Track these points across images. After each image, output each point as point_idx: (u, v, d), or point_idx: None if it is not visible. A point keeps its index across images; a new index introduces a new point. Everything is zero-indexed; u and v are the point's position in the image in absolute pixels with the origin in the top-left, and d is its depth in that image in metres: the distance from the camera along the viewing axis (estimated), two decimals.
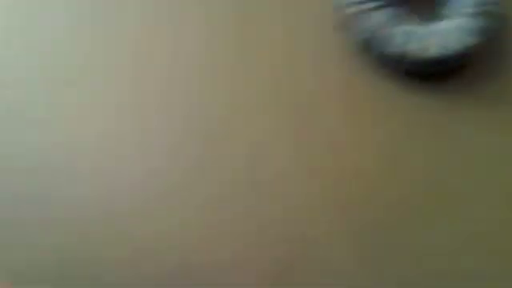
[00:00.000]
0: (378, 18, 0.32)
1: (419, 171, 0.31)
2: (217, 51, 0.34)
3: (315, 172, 0.31)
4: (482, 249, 0.29)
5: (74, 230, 0.30)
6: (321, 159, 0.31)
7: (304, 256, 0.29)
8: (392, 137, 0.32)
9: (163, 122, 0.32)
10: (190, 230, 0.30)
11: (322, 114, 0.32)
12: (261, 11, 0.35)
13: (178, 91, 0.33)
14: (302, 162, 0.31)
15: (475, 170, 0.31)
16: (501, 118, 0.32)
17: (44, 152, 0.32)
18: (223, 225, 0.30)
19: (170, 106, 0.33)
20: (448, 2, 0.34)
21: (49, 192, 0.31)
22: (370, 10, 0.32)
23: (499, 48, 0.34)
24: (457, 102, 0.32)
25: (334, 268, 0.29)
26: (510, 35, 0.34)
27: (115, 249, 0.30)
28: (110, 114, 0.33)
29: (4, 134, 0.32)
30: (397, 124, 0.32)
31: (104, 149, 0.32)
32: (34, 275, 0.29)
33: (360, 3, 0.32)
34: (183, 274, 0.29)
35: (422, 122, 0.32)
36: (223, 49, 0.34)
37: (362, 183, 0.30)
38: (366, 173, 0.31)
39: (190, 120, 0.32)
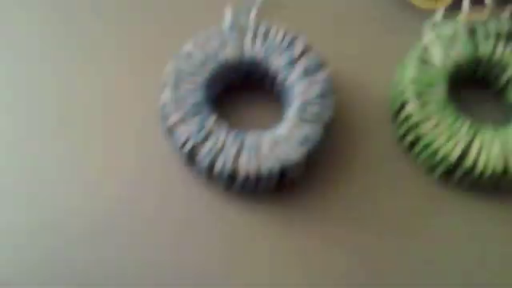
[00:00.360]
0: (192, 130, 0.27)
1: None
2: None
3: None
4: None
5: None
6: None
7: None
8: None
9: None
10: None
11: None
12: None
13: None
14: None
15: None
16: (330, 232, 0.28)
17: None
18: None
19: None
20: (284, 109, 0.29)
21: None
22: (182, 121, 0.27)
23: (329, 156, 0.30)
24: (291, 215, 0.29)
25: None
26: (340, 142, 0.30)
27: None
28: None
29: None
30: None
31: None
32: None
33: (174, 113, 0.28)
34: None
35: (259, 236, 0.28)
36: None
37: None
38: None
39: None
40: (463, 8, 0.32)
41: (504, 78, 0.30)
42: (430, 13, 0.32)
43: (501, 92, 0.31)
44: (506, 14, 0.30)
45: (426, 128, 0.28)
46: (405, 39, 0.32)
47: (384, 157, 0.30)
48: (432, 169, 0.29)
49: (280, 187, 0.29)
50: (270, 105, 0.31)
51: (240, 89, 0.31)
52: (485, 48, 0.29)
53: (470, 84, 0.31)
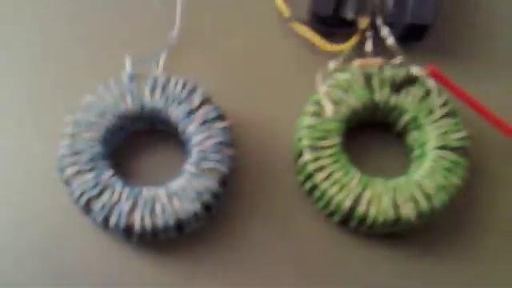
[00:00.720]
0: (88, 184, 0.27)
1: None
2: None
3: None
4: None
5: None
6: None
7: None
8: None
9: None
10: None
11: None
12: None
13: None
14: None
15: None
16: (233, 279, 0.29)
17: None
18: None
19: None
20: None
21: None
22: (78, 173, 0.28)
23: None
24: (192, 265, 0.29)
25: None
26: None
27: None
28: None
29: None
30: None
31: None
32: None
33: (71, 166, 0.28)
34: None
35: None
36: None
37: None
38: None
39: None
40: (366, 48, 0.32)
41: (401, 122, 0.31)
42: (334, 55, 0.33)
43: (400, 135, 0.31)
44: (397, 61, 0.31)
45: (319, 178, 0.29)
46: (310, 82, 0.32)
47: (287, 202, 0.31)
48: (330, 215, 0.29)
49: (181, 237, 0.29)
50: (174, 152, 0.31)
51: (145, 137, 0.31)
52: (381, 94, 0.30)
53: (372, 126, 0.32)
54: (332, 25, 0.34)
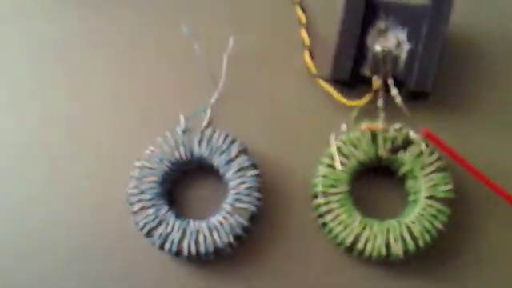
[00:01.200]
0: (149, 218, 0.36)
1: None
2: None
3: None
4: None
5: None
6: None
7: None
8: None
9: None
10: None
11: None
12: None
13: None
14: None
15: None
16: None
17: None
18: None
19: None
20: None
21: None
22: (142, 209, 0.36)
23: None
24: (227, 281, 0.38)
25: None
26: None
27: None
28: None
29: None
30: None
31: None
32: None
33: (137, 203, 0.36)
34: None
35: None
36: None
37: None
38: None
39: None
40: (378, 104, 0.39)
41: (401, 172, 0.37)
42: (352, 108, 0.40)
43: (401, 180, 0.38)
44: (397, 126, 0.37)
45: (328, 218, 0.36)
46: (330, 132, 0.39)
47: (305, 232, 0.38)
48: (337, 246, 0.37)
49: (219, 259, 0.37)
50: (217, 192, 0.39)
51: (195, 179, 0.39)
52: (385, 149, 0.37)
53: (378, 171, 0.39)
54: (351, 82, 0.40)
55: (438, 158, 0.36)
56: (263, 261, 0.38)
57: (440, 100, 0.40)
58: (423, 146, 0.36)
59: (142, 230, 0.36)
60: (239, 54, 0.41)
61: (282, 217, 0.39)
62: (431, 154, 0.36)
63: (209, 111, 0.40)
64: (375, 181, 0.39)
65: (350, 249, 0.36)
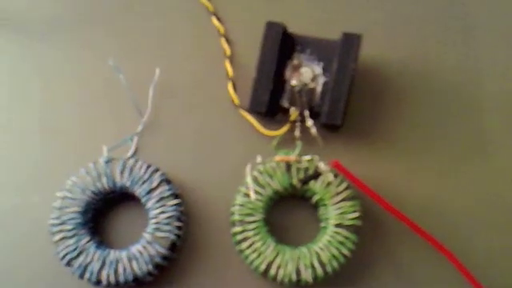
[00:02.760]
0: (69, 248, 0.37)
1: None
2: None
3: None
4: None
5: None
6: None
7: None
8: None
9: None
10: None
11: None
12: None
13: None
14: None
15: None
16: None
17: None
18: None
19: None
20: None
21: None
22: (63, 239, 0.37)
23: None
24: None
25: None
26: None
27: None
28: None
29: None
30: None
31: None
32: None
33: (58, 233, 0.37)
34: None
35: None
36: None
37: None
38: None
39: None
40: (295, 134, 0.41)
41: (313, 200, 0.40)
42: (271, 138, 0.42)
43: (314, 208, 0.40)
44: (307, 157, 0.39)
45: (244, 246, 0.38)
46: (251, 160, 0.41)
47: (225, 258, 0.40)
48: (254, 271, 0.39)
49: (139, 286, 0.39)
50: (140, 220, 0.40)
51: (117, 208, 0.41)
52: (297, 179, 0.39)
53: (294, 199, 0.41)
54: (272, 112, 0.42)
55: (346, 188, 0.39)
56: (185, 287, 0.40)
57: (353, 131, 0.42)
58: (331, 177, 0.38)
59: (62, 259, 0.37)
60: (165, 84, 0.43)
61: (204, 244, 0.40)
62: (340, 183, 0.39)
63: (135, 140, 0.41)
64: (290, 208, 0.41)
65: (265, 274, 0.38)
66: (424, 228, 0.38)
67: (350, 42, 0.40)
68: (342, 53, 0.40)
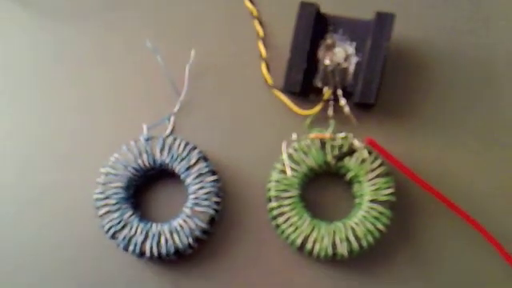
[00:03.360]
0: (114, 221, 0.39)
1: None
2: None
3: None
4: None
5: None
6: None
7: None
8: None
9: None
10: None
11: None
12: None
13: None
14: None
15: None
16: None
17: None
18: None
19: None
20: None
21: None
22: (107, 213, 0.39)
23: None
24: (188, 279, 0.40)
25: None
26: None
27: None
28: None
29: None
30: None
31: None
32: None
33: (102, 207, 0.39)
34: None
35: None
36: None
37: None
38: None
39: None
40: (328, 113, 0.42)
41: (347, 177, 0.40)
42: (305, 117, 0.43)
43: (348, 185, 0.41)
44: (342, 135, 0.40)
45: (280, 221, 0.39)
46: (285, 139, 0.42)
47: (261, 232, 0.41)
48: (290, 246, 0.40)
49: (180, 259, 0.40)
50: (179, 195, 0.41)
51: (158, 184, 0.42)
52: (331, 157, 0.40)
53: (328, 176, 0.42)
54: (305, 92, 0.43)
55: (381, 164, 0.39)
56: (223, 260, 0.41)
57: (386, 109, 0.43)
58: (366, 154, 0.39)
59: (107, 232, 0.39)
60: (200, 65, 0.44)
61: (240, 219, 0.42)
62: (374, 160, 0.39)
63: (172, 119, 0.43)
64: (325, 185, 0.42)
65: (301, 249, 0.39)
66: (457, 204, 0.39)
67: (383, 21, 0.41)
68: (375, 32, 0.41)
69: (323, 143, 0.40)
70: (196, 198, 0.39)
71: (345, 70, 0.42)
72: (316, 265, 0.41)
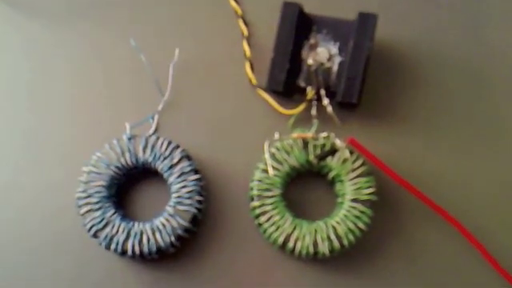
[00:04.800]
0: (95, 220, 0.39)
1: None
2: None
3: None
4: None
5: None
6: None
7: None
8: None
9: None
10: None
11: None
12: None
13: None
14: None
15: None
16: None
17: None
18: None
19: None
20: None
21: None
22: (89, 211, 0.39)
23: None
24: (170, 278, 0.41)
25: None
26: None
27: None
28: None
29: None
30: None
31: None
32: None
33: (84, 206, 0.39)
34: None
35: None
36: None
37: None
38: None
39: None
40: (312, 112, 0.42)
41: (329, 176, 0.41)
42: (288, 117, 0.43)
43: (330, 184, 0.42)
44: (324, 135, 0.40)
45: (262, 220, 0.39)
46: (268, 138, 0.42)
47: (243, 231, 0.41)
48: (272, 244, 0.40)
49: (162, 258, 0.40)
50: (162, 194, 0.42)
51: (140, 183, 0.42)
52: (314, 156, 0.40)
53: (311, 176, 0.42)
54: (289, 92, 0.43)
55: (362, 164, 0.40)
56: (205, 259, 0.41)
57: (370, 109, 0.43)
58: (347, 153, 0.40)
59: (89, 231, 0.39)
60: (184, 64, 0.44)
61: (223, 218, 0.42)
62: (356, 160, 0.40)
63: (156, 118, 0.43)
64: (307, 184, 0.42)
65: (283, 247, 0.39)
66: (438, 203, 0.39)
67: (366, 21, 0.41)
68: (358, 32, 0.41)
69: (306, 143, 0.40)
70: (179, 197, 0.39)
71: (328, 70, 0.42)
72: (298, 263, 0.41)
